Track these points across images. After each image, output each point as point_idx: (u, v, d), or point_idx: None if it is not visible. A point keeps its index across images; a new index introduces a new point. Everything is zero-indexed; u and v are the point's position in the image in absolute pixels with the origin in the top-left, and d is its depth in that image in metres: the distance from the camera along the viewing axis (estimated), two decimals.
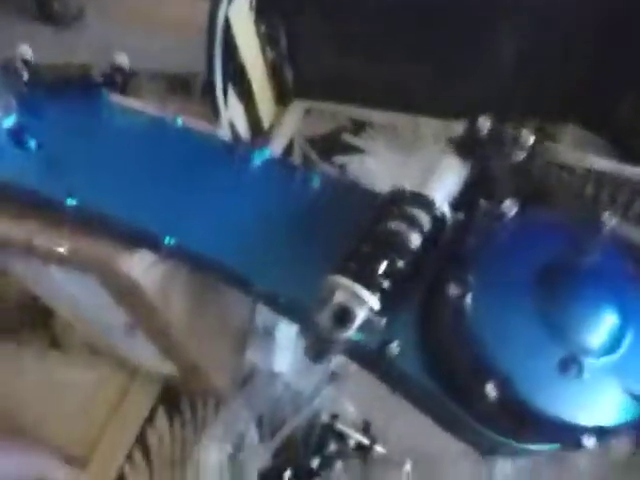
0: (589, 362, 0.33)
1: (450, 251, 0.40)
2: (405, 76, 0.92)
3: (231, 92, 0.84)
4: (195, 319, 0.57)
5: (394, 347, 0.38)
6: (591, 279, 0.35)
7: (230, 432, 0.66)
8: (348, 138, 0.98)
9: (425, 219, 0.38)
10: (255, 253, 0.43)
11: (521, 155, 0.41)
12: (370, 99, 1.00)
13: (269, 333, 0.70)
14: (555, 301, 0.34)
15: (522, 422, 0.33)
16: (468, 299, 0.34)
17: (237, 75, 0.85)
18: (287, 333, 0.71)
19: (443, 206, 0.38)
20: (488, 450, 0.40)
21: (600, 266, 0.36)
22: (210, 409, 0.72)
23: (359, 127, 0.99)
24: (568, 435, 0.33)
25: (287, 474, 0.63)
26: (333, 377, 0.70)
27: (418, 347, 0.38)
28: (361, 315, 0.35)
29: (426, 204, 0.38)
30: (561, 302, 0.34)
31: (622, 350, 0.33)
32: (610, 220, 0.37)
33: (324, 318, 0.35)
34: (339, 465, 0.65)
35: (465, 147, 0.44)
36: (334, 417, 0.66)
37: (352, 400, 0.69)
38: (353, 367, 0.74)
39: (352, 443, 0.65)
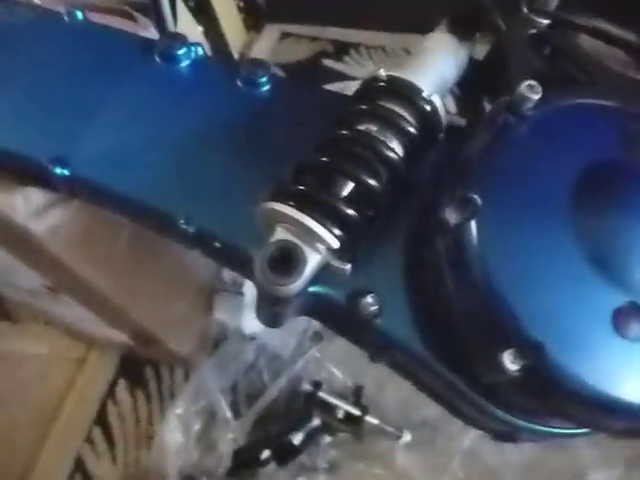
0: None
1: (447, 166, 0.28)
2: None
3: (183, 10, 0.70)
4: (136, 277, 0.46)
5: (370, 302, 0.27)
6: None
7: (198, 406, 0.57)
8: (329, 63, 0.84)
9: (408, 116, 0.26)
10: (181, 183, 0.32)
11: (543, 22, 0.29)
12: (354, 18, 0.85)
13: (238, 289, 0.59)
14: (604, 223, 0.22)
15: (554, 403, 0.23)
16: (472, 227, 0.23)
17: None
18: None
19: (432, 96, 0.26)
20: (503, 435, 0.29)
21: None
22: (178, 378, 0.63)
23: (342, 50, 0.85)
24: (624, 422, 0.22)
25: (265, 454, 0.54)
26: (316, 338, 0.60)
27: (404, 301, 0.27)
28: (313, 260, 0.24)
29: (409, 94, 0.26)
30: (614, 224, 0.22)
31: None
32: None
33: (260, 265, 0.23)
34: (326, 440, 0.56)
35: (465, 21, 0.31)
36: (318, 384, 0.56)
37: (339, 364, 0.59)
38: None
39: (340, 414, 0.56)
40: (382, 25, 0.89)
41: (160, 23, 0.64)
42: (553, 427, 0.28)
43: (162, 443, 0.56)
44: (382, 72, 0.27)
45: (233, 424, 0.57)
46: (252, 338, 0.59)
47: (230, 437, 0.56)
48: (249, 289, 0.58)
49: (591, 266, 0.22)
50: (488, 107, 0.33)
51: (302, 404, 0.56)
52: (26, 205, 0.32)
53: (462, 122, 0.33)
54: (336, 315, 0.29)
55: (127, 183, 0.32)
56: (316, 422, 0.55)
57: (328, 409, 0.55)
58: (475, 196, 0.23)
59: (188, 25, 0.71)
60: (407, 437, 0.55)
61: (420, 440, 0.56)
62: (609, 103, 0.25)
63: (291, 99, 0.34)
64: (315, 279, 0.26)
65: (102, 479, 0.59)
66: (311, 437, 0.55)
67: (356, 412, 0.55)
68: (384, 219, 0.28)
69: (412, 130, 0.26)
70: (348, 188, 0.25)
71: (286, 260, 0.24)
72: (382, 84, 0.26)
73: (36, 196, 0.33)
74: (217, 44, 0.81)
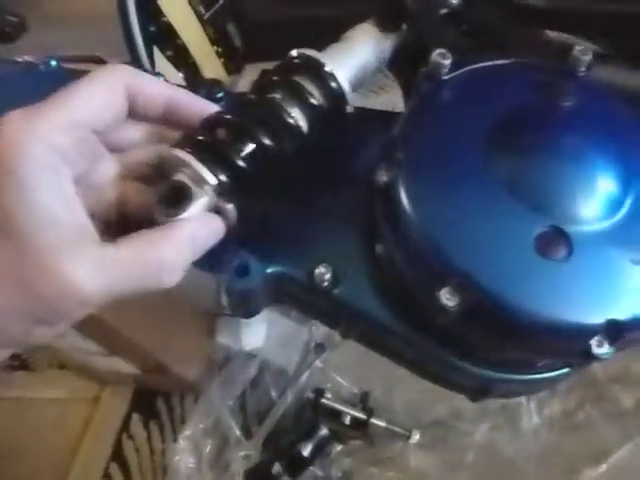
0: (578, 234, 0.23)
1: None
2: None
3: (161, 59, 0.75)
4: (141, 308, 0.48)
5: (323, 271, 0.28)
6: (567, 124, 0.25)
7: (208, 427, 0.58)
8: None
9: (312, 88, 0.28)
10: None
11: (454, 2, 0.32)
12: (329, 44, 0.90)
13: None
14: (520, 156, 0.24)
15: (497, 335, 0.24)
16: (400, 182, 0.25)
17: (166, 39, 0.76)
18: None
19: (343, 81, 0.29)
20: (478, 390, 0.30)
21: (576, 110, 0.26)
22: (189, 406, 0.64)
23: None
24: (571, 344, 0.23)
25: (276, 467, 0.54)
26: (318, 349, 0.61)
27: (358, 268, 0.28)
28: (199, 197, 0.25)
29: (313, 68, 0.28)
30: (529, 155, 0.24)
31: (623, 211, 0.23)
32: (585, 56, 0.27)
33: (156, 196, 0.25)
34: (337, 449, 0.56)
35: (389, 16, 0.34)
36: (320, 392, 0.57)
37: (344, 373, 0.60)
38: (338, 336, 0.65)
39: (347, 420, 0.56)
40: None
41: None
42: (525, 373, 0.28)
43: (174, 468, 0.56)
44: (296, 51, 0.30)
45: (244, 443, 0.57)
46: (254, 355, 0.61)
47: (242, 456, 0.56)
48: None
49: (510, 196, 0.23)
50: None
51: (309, 415, 0.57)
52: None
53: None
54: (299, 293, 0.30)
55: None
56: (324, 431, 0.55)
57: (334, 416, 0.56)
58: (399, 154, 0.25)
59: (167, 72, 0.76)
60: (416, 437, 0.55)
61: (432, 439, 0.56)
62: (513, 61, 0.27)
63: None
64: (278, 261, 0.29)
65: None
66: (321, 447, 0.55)
67: (361, 416, 0.55)
68: (334, 197, 0.30)
69: (314, 101, 0.28)
70: (246, 144, 0.27)
71: (177, 195, 0.25)
72: (295, 61, 0.29)
73: None
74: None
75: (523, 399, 0.56)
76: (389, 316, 0.28)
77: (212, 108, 0.27)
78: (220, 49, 0.93)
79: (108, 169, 0.25)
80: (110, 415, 0.65)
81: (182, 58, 0.79)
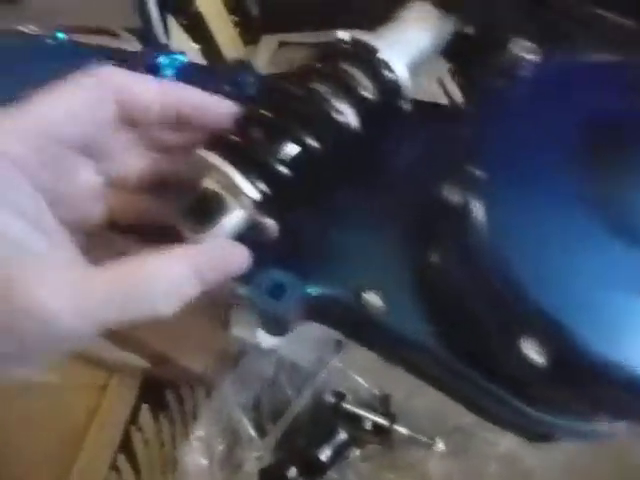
0: None
1: (444, 147, 0.26)
2: None
3: (176, 27, 0.70)
4: None
5: (375, 299, 0.25)
6: None
7: (221, 426, 0.55)
8: None
9: (364, 79, 0.24)
10: None
11: None
12: (351, 19, 0.84)
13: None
14: (622, 181, 0.20)
15: (589, 392, 0.20)
16: (476, 205, 0.21)
17: (182, 6, 0.71)
18: None
19: (398, 68, 0.24)
20: (540, 436, 0.26)
21: None
22: (200, 399, 0.61)
23: None
24: None
25: (292, 472, 0.51)
26: (337, 347, 0.58)
27: (412, 295, 0.25)
28: (234, 211, 0.21)
29: (366, 55, 0.24)
30: (633, 181, 0.20)
31: None
32: None
33: (183, 207, 0.22)
34: (355, 453, 0.54)
35: None
36: (341, 396, 0.54)
37: (363, 373, 0.57)
38: None
39: (368, 425, 0.53)
40: (380, 23, 0.87)
41: (151, 41, 0.64)
42: (595, 423, 0.25)
43: (185, 467, 0.54)
44: (347, 35, 0.25)
45: (257, 442, 0.55)
46: (271, 352, 0.58)
47: (255, 456, 0.54)
48: None
49: (612, 232, 0.19)
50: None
51: (327, 417, 0.54)
52: None
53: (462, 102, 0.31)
54: (343, 317, 0.27)
55: None
56: (343, 435, 0.52)
57: (354, 421, 0.53)
58: (475, 170, 0.21)
59: (182, 43, 0.71)
60: (440, 445, 0.52)
61: (454, 447, 0.53)
62: (606, 56, 0.23)
63: None
64: (318, 280, 0.25)
65: None
66: (339, 451, 0.52)
67: (384, 422, 0.52)
68: (382, 210, 0.26)
69: (366, 94, 0.24)
70: (287, 145, 0.23)
71: (209, 205, 0.22)
72: (344, 46, 0.25)
73: None
74: (214, 60, 0.81)
75: None
76: (444, 350, 0.24)
77: (227, 107, 0.23)
78: (237, 18, 0.87)
79: (87, 180, 0.22)
80: (118, 404, 0.63)
81: (197, 28, 0.73)
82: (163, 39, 0.66)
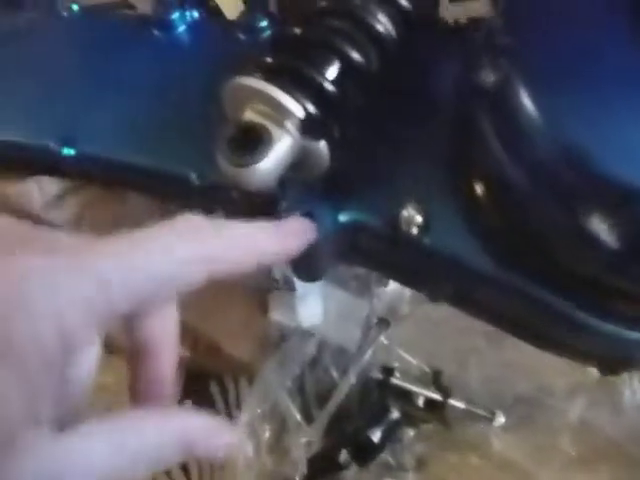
0: None
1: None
2: None
3: None
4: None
5: (411, 214, 0.22)
6: None
7: (266, 412, 0.53)
8: None
9: None
10: (189, 143, 0.29)
11: None
12: None
13: (290, 286, 0.55)
14: None
15: None
16: (517, 76, 0.18)
17: None
18: None
19: None
20: (618, 360, 0.23)
21: None
22: (243, 389, 0.59)
23: None
24: None
25: (343, 455, 0.48)
26: (382, 324, 0.55)
27: (451, 207, 0.22)
28: (281, 140, 0.19)
29: None
30: None
31: None
32: None
33: (220, 146, 0.20)
34: (409, 434, 0.50)
35: None
36: (389, 371, 0.51)
37: (411, 349, 0.54)
38: (404, 308, 0.59)
39: (420, 401, 0.50)
40: None
41: None
42: None
43: (231, 459, 0.52)
44: None
45: (305, 427, 0.52)
46: (312, 332, 0.55)
47: (304, 441, 0.51)
48: (300, 282, 0.54)
49: None
50: None
51: (376, 396, 0.51)
52: (42, 195, 0.31)
53: None
54: (378, 247, 0.24)
55: (134, 152, 0.30)
56: (395, 414, 0.49)
57: (405, 398, 0.50)
58: (505, 38, 0.18)
59: None
60: (500, 418, 0.48)
61: (518, 420, 0.49)
62: None
63: None
64: (353, 206, 0.23)
65: None
66: (391, 432, 0.49)
67: (437, 397, 0.49)
68: (425, 126, 0.23)
69: (404, 3, 0.22)
70: (330, 61, 0.21)
71: (250, 137, 0.20)
72: None
73: (49, 187, 0.31)
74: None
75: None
76: (497, 267, 0.22)
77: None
78: None
79: None
80: None
81: None
82: None
